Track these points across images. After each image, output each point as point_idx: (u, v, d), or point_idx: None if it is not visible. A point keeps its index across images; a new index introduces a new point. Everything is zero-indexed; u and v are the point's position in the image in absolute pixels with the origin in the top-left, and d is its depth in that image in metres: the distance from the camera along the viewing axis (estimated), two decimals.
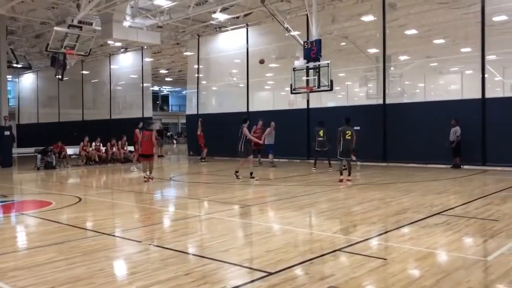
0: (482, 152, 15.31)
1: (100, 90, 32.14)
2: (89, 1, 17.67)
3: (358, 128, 16.02)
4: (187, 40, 25.73)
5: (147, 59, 28.16)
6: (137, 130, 17.80)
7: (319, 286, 4.25)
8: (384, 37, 17.51)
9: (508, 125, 14.72)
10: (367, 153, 16.43)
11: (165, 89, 60.82)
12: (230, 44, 22.96)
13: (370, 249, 5.66)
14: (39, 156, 18.22)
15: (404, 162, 16.81)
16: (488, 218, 7.28)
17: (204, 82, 25.22)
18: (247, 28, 21.82)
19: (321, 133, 15.59)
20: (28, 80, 39.59)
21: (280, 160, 19.42)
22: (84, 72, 32.33)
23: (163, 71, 41.63)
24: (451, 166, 15.50)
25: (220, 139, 21.99)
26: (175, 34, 25.25)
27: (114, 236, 6.64)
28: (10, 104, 33.38)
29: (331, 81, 14.81)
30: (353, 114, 14.12)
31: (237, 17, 21.80)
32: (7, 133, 19.90)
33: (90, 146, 19.93)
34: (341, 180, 12.12)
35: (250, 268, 4.89)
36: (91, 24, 20.09)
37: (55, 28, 19.66)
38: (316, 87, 15.20)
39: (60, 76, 22.40)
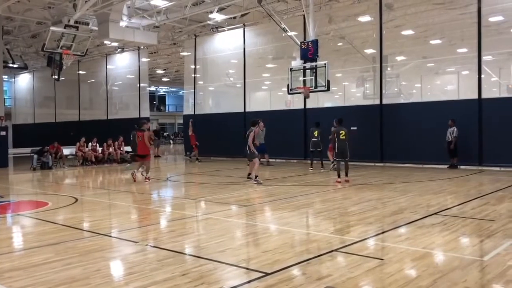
0: (479, 152, 15.34)
1: (96, 90, 32.06)
2: (86, 1, 17.61)
3: (355, 128, 16.12)
4: (184, 40, 25.68)
5: (144, 59, 28.09)
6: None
7: (316, 286, 4.25)
8: (381, 37, 17.50)
9: (504, 125, 14.78)
10: (364, 153, 16.42)
11: (162, 89, 60.65)
12: (227, 44, 22.93)
13: (367, 249, 5.67)
14: (35, 156, 18.12)
15: (401, 162, 16.84)
16: (484, 218, 7.31)
17: (201, 82, 25.18)
18: (244, 29, 21.79)
19: (315, 133, 15.62)
20: (24, 80, 39.43)
21: (277, 160, 19.43)
22: (80, 72, 32.21)
23: (160, 71, 41.55)
24: (448, 166, 15.54)
25: (217, 139, 22.00)
26: (172, 34, 25.21)
27: (110, 236, 6.62)
28: (6, 104, 33.31)
29: (328, 82, 14.84)
30: (350, 114, 14.14)
31: (234, 17, 21.81)
32: (3, 133, 19.81)
33: (87, 147, 19.86)
34: (338, 182, 12.10)
35: (247, 269, 4.89)
36: (87, 24, 20.05)
37: (52, 28, 19.58)
38: (313, 88, 15.23)
39: (56, 76, 22.30)
